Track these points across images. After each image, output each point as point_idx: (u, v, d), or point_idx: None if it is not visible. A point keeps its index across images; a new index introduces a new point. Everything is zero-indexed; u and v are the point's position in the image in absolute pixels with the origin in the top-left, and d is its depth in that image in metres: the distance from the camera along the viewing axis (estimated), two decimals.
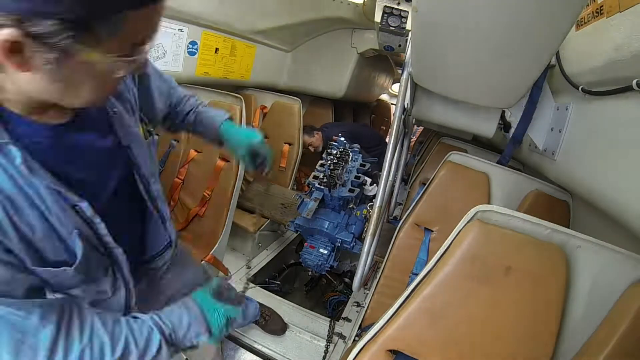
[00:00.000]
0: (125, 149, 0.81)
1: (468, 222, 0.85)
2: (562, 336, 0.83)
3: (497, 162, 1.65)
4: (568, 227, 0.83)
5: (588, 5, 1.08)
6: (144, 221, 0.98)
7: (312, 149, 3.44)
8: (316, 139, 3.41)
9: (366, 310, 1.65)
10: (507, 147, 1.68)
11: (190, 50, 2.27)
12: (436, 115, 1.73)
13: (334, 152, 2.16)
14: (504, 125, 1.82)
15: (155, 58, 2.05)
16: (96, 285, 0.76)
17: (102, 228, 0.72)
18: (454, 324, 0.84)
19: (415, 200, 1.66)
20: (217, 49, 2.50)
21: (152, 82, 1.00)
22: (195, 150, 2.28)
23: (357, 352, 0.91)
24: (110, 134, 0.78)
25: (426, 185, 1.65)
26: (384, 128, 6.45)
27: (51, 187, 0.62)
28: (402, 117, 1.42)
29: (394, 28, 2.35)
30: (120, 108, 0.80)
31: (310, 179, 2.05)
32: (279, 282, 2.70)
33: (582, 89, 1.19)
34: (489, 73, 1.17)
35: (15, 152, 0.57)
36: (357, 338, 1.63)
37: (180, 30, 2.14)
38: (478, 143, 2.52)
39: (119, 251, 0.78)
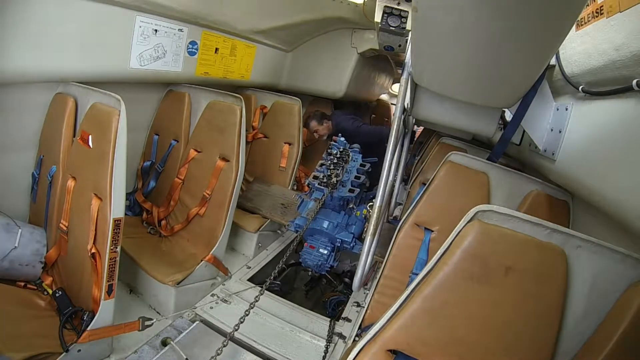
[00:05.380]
0: None
1: (468, 222, 0.85)
2: (562, 336, 0.83)
3: (487, 159, 1.66)
4: (568, 227, 0.83)
5: (588, 5, 1.08)
6: None
7: (316, 136, 3.47)
8: (324, 128, 3.44)
9: (366, 310, 1.65)
10: (496, 146, 1.68)
11: (190, 50, 2.27)
12: (436, 115, 1.73)
13: (334, 152, 2.16)
14: (504, 125, 1.82)
15: (155, 58, 2.05)
16: None
17: None
18: (454, 324, 0.84)
19: (415, 200, 1.66)
20: (217, 49, 2.50)
21: None
22: (196, 150, 2.28)
23: (357, 352, 0.91)
24: None
25: (426, 185, 1.65)
26: None
27: None
28: (402, 117, 1.42)
29: (394, 28, 2.34)
30: None
31: (310, 179, 2.05)
32: (279, 282, 2.69)
33: (582, 89, 1.19)
34: (489, 73, 1.17)
35: None
36: (357, 338, 1.62)
37: (180, 30, 2.14)
38: (478, 143, 2.52)
39: None
